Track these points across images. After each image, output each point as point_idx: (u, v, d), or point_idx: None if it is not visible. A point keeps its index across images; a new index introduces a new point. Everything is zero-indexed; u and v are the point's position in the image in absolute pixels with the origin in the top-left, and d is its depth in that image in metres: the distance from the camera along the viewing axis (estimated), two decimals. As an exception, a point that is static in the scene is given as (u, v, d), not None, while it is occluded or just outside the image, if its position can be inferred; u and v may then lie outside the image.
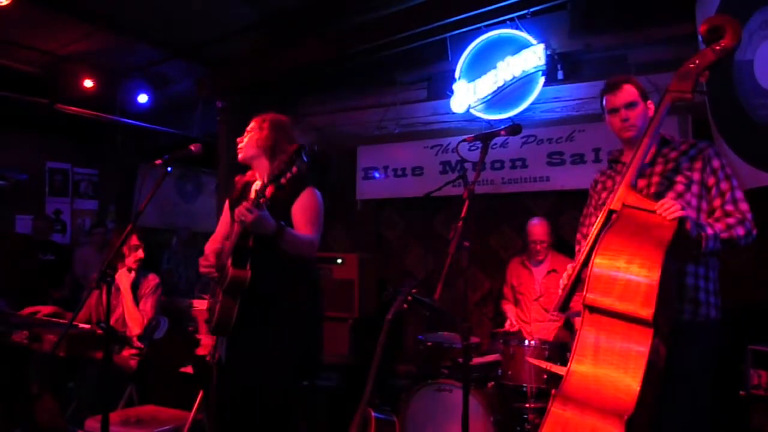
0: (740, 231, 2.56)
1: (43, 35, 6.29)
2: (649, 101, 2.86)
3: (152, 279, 4.53)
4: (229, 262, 3.04)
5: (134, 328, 4.31)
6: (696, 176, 2.71)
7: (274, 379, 3.16)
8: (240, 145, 3.38)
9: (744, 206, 2.63)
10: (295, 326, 3.21)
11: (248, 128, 3.41)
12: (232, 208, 3.31)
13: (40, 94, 6.75)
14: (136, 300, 4.41)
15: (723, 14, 2.56)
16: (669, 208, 2.38)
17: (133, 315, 4.33)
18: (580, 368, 2.28)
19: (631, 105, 2.83)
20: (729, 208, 2.63)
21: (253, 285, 3.06)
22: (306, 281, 3.30)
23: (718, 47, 2.50)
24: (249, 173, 3.47)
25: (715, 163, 2.71)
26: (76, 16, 5.88)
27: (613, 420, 2.12)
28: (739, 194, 2.65)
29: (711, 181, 2.70)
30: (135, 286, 4.45)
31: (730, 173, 2.70)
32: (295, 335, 3.20)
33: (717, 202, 2.67)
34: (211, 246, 3.42)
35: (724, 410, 3.80)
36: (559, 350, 3.92)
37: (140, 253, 4.50)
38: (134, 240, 4.45)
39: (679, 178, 2.72)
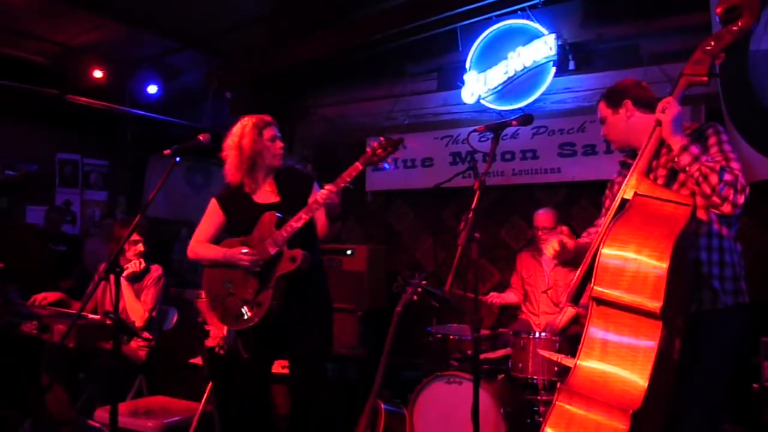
0: (718, 178, 2.38)
1: (54, 26, 6.30)
2: (625, 101, 2.78)
3: (155, 270, 4.51)
4: (286, 247, 3.32)
5: (136, 321, 4.31)
6: None
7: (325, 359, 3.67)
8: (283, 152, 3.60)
9: (736, 165, 2.48)
10: (330, 308, 3.66)
11: (280, 135, 3.61)
12: (230, 211, 3.60)
13: (50, 85, 6.76)
14: (138, 292, 4.42)
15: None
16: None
17: (134, 308, 4.33)
18: (588, 362, 2.23)
19: (601, 122, 2.91)
20: (722, 163, 2.48)
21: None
22: (324, 267, 3.69)
23: (735, 28, 2.41)
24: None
25: (711, 140, 2.59)
26: (86, 7, 5.88)
27: (619, 415, 2.08)
28: (735, 164, 2.48)
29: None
30: (137, 279, 4.45)
31: (727, 149, 2.55)
32: (330, 316, 3.65)
33: None
34: (200, 245, 3.58)
35: (737, 404, 3.77)
36: (571, 342, 3.90)
37: (140, 247, 4.50)
38: (134, 235, 4.44)
39: None
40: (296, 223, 3.27)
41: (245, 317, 3.38)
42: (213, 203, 3.64)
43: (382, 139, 3.25)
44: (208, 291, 3.56)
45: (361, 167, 3.26)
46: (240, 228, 3.49)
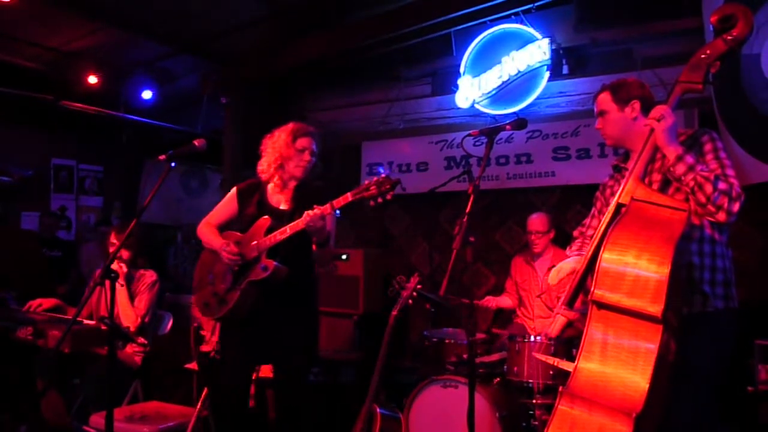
0: (713, 187, 2.41)
1: (48, 32, 6.29)
2: (633, 101, 2.77)
3: (149, 276, 4.50)
4: (264, 255, 3.35)
5: (128, 327, 4.30)
6: None
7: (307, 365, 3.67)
8: (309, 166, 3.59)
9: (731, 171, 2.51)
10: (313, 315, 3.70)
11: (314, 149, 3.63)
12: (244, 204, 3.63)
13: (45, 90, 6.75)
14: (131, 297, 4.41)
15: (734, 3, 2.49)
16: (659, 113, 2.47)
17: (127, 313, 4.31)
18: (588, 365, 2.25)
19: (600, 114, 2.88)
20: (717, 172, 2.51)
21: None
22: (314, 276, 3.69)
23: (729, 37, 2.43)
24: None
25: (707, 147, 2.61)
26: (81, 12, 5.88)
27: (621, 418, 2.09)
28: (729, 171, 2.52)
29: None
30: (128, 283, 4.44)
31: (723, 156, 2.58)
32: (314, 321, 3.69)
33: None
34: (206, 227, 3.66)
35: (732, 406, 3.78)
36: (565, 346, 3.90)
37: (123, 253, 4.49)
38: (113, 239, 4.43)
39: None
40: (280, 235, 3.31)
41: (211, 308, 3.47)
42: (233, 192, 3.71)
43: (383, 176, 3.17)
44: (197, 273, 3.66)
45: (350, 198, 3.18)
46: (245, 224, 3.56)
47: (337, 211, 3.25)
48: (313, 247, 3.39)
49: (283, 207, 3.56)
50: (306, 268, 3.57)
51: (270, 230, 3.37)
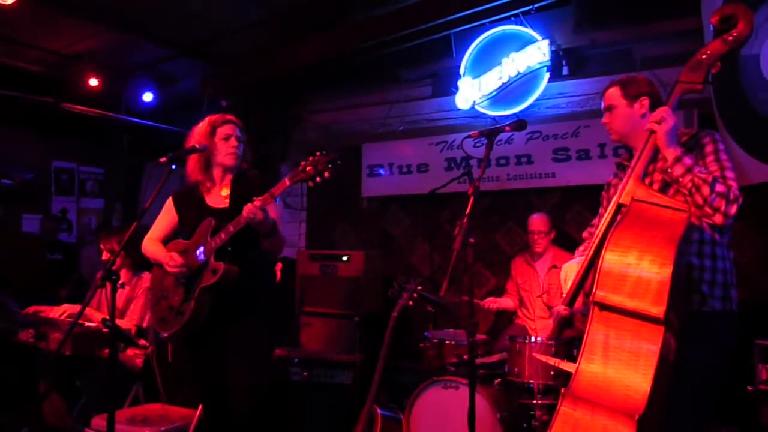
0: (710, 189, 2.42)
1: (49, 34, 6.29)
2: (642, 98, 2.78)
3: (146, 280, 4.49)
4: (212, 258, 3.24)
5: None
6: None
7: (265, 367, 3.52)
8: (238, 152, 3.47)
9: (730, 174, 2.52)
10: (271, 316, 3.59)
11: (239, 135, 3.49)
12: (182, 210, 3.52)
13: (45, 93, 6.75)
14: (128, 301, 4.43)
15: (734, 3, 2.49)
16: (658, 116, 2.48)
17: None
18: (590, 367, 2.25)
19: (608, 108, 2.87)
20: (716, 174, 2.52)
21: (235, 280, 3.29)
22: (271, 274, 3.66)
23: (730, 38, 2.44)
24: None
25: (708, 149, 2.61)
26: (82, 14, 5.89)
27: (624, 419, 2.09)
28: (729, 173, 2.52)
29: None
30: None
31: (724, 158, 2.58)
32: (271, 324, 3.62)
33: None
34: (150, 243, 3.54)
35: (732, 406, 3.79)
36: (566, 347, 3.91)
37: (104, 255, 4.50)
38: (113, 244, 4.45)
39: None
40: (224, 235, 3.20)
41: (168, 323, 3.37)
42: (169, 201, 3.58)
43: (318, 154, 3.11)
44: (151, 290, 3.57)
45: (288, 183, 3.13)
46: (188, 230, 3.43)
47: (278, 199, 3.18)
48: (260, 237, 3.30)
49: (223, 205, 3.43)
50: (257, 262, 3.44)
51: (215, 231, 3.26)
